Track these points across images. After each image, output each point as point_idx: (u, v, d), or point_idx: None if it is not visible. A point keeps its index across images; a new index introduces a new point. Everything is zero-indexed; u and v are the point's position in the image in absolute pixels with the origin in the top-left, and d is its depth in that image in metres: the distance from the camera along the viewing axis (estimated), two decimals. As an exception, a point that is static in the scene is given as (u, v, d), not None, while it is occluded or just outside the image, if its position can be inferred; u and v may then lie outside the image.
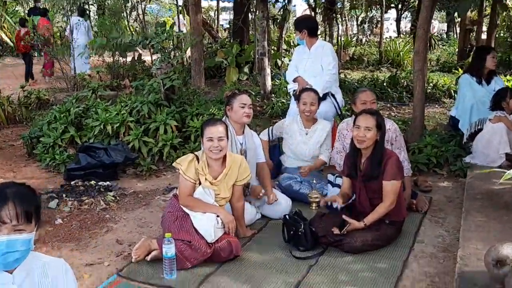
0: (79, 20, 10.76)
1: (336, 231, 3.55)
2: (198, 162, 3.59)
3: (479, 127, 5.33)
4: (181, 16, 13.62)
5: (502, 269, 2.72)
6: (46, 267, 2.13)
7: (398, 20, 25.32)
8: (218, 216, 3.48)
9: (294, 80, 5.29)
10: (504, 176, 2.56)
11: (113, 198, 4.58)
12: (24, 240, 1.94)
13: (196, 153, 3.69)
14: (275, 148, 4.67)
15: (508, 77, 10.25)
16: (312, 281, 3.20)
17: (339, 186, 4.19)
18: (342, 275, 3.28)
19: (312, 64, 5.25)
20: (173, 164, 3.69)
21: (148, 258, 3.39)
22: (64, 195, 4.59)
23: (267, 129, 4.93)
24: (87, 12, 11.77)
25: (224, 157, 3.64)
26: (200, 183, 3.57)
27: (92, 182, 4.86)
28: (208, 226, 3.40)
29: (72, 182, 4.88)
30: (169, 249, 3.21)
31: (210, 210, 3.50)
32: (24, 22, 13.61)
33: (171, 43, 6.37)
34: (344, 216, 3.59)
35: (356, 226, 3.57)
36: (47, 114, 6.40)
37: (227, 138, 3.64)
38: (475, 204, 4.10)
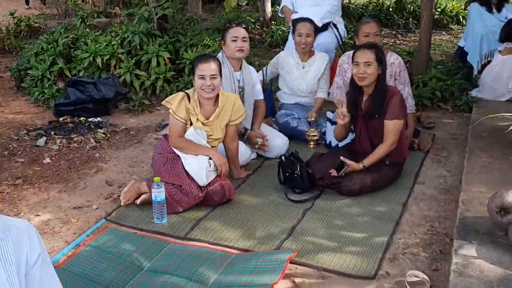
0: None
1: (333, 173, 3.40)
2: (189, 101, 3.39)
3: (489, 59, 5.05)
4: None
5: (506, 216, 2.60)
6: (8, 232, 1.97)
7: None
8: (210, 158, 3.33)
9: (282, 11, 5.00)
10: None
11: (104, 136, 4.41)
12: None
13: (187, 91, 3.48)
14: (265, 91, 4.39)
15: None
16: (307, 226, 3.09)
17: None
18: (338, 219, 3.16)
19: None
20: (163, 103, 3.49)
21: (138, 201, 3.27)
22: (52, 132, 4.42)
23: (262, 69, 4.64)
24: None
25: (217, 96, 3.43)
26: (191, 124, 3.38)
27: (82, 119, 4.67)
28: (199, 169, 3.24)
29: (61, 119, 4.68)
30: (159, 194, 3.07)
31: (202, 152, 3.33)
32: None
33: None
34: (342, 158, 3.42)
35: (354, 168, 3.41)
36: (34, 44, 6.11)
37: (220, 75, 3.41)
38: (479, 143, 3.92)
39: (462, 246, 2.58)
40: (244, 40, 3.91)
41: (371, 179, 3.43)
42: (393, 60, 4.10)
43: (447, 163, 3.93)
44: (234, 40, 3.88)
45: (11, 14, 8.72)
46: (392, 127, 3.42)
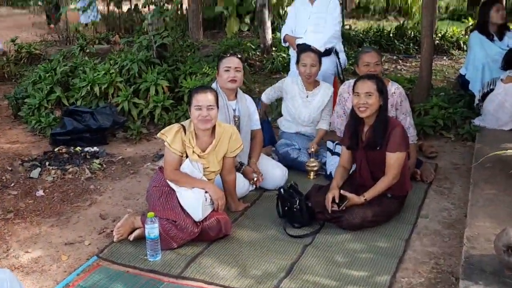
0: None
1: (334, 207, 3.30)
2: (185, 133, 3.31)
3: (491, 87, 4.98)
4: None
5: (513, 257, 2.49)
6: None
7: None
8: (206, 192, 3.23)
9: (284, 39, 4.97)
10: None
11: (99, 166, 4.32)
12: None
13: (182, 123, 3.40)
14: (263, 123, 4.32)
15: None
16: (307, 263, 2.98)
17: (338, 154, 3.91)
18: (339, 255, 3.05)
19: (316, 19, 4.87)
20: (158, 135, 3.41)
21: (131, 238, 3.16)
22: (47, 163, 4.33)
23: (258, 99, 4.58)
24: None
25: (214, 127, 3.35)
26: (187, 156, 3.30)
27: (78, 149, 4.59)
28: (195, 203, 3.14)
29: (56, 149, 4.60)
30: (152, 230, 2.97)
31: (198, 185, 3.24)
32: None
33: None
34: (342, 192, 3.32)
35: (355, 201, 3.31)
36: (32, 72, 6.08)
37: (217, 107, 3.34)
38: (484, 174, 3.82)
39: (468, 287, 2.48)
40: (237, 70, 3.85)
41: (373, 213, 3.32)
42: (394, 90, 4.03)
43: (450, 195, 3.83)
44: (227, 70, 3.82)
45: (12, 41, 8.74)
46: (394, 160, 3.33)
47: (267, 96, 4.60)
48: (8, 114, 5.86)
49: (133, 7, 11.34)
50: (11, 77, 7.36)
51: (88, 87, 5.25)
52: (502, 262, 2.59)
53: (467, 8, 14.05)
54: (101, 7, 9.81)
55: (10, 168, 4.32)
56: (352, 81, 3.90)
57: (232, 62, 3.82)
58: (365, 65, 3.95)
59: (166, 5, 6.08)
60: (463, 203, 3.62)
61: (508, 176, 3.71)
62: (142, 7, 7.00)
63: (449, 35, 9.75)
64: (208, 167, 3.34)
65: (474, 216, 3.20)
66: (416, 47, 9.11)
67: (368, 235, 3.28)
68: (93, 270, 2.89)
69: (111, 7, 10.30)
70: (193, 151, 3.28)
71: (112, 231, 3.28)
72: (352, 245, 3.17)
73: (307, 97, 4.40)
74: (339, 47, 5.06)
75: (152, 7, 6.03)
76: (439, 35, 9.62)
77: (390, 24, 11.83)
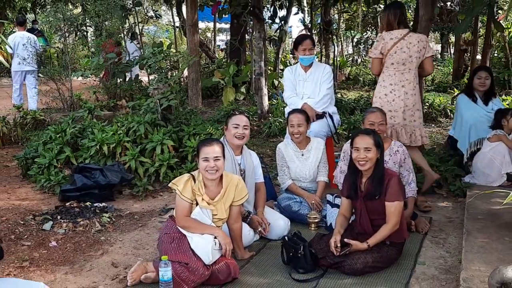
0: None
1: (338, 251, 3.49)
2: (195, 182, 3.54)
3: (478, 146, 5.30)
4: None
5: (506, 292, 2.66)
6: None
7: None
8: (215, 237, 3.42)
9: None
10: (509, 196, 2.51)
11: (109, 220, 4.50)
12: None
13: (192, 173, 3.64)
14: (265, 179, 4.57)
15: (504, 96, 10.28)
16: (312, 305, 3.13)
17: (338, 206, 4.12)
18: (342, 298, 3.21)
19: (310, 86, 5.25)
20: (169, 185, 3.63)
21: (142, 277, 3.31)
22: (58, 217, 4.50)
23: (279, 177, 4.81)
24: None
25: (221, 177, 3.59)
26: (197, 204, 3.51)
27: (88, 203, 4.78)
28: (205, 247, 3.32)
29: (67, 204, 4.79)
30: (166, 272, 3.13)
31: (207, 231, 3.43)
32: None
33: (168, 63, 6.36)
34: (346, 240, 3.52)
35: (359, 247, 3.50)
36: (42, 134, 6.33)
37: (224, 158, 3.59)
38: (476, 225, 4.05)
39: (466, 324, 2.64)
40: (245, 128, 4.14)
41: (373, 258, 3.50)
42: (397, 148, 4.32)
43: (446, 244, 4.02)
44: (235, 127, 4.11)
45: (18, 108, 9.07)
46: (394, 208, 3.56)
47: (282, 179, 4.70)
48: (16, 174, 6.06)
49: (133, 77, 11.81)
50: (17, 140, 7.61)
51: (97, 147, 5.50)
52: (496, 299, 2.75)
53: (452, 81, 14.73)
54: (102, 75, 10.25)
55: (22, 222, 4.48)
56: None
57: (241, 120, 4.12)
58: (370, 124, 4.25)
59: (169, 72, 6.48)
60: (458, 252, 3.81)
61: (499, 227, 3.95)
62: (148, 74, 7.41)
63: (436, 104, 10.23)
64: (216, 214, 3.54)
65: (469, 261, 3.39)
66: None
67: (369, 280, 3.44)
68: (109, 310, 3.02)
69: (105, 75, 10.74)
70: (203, 199, 3.50)
71: (124, 277, 3.44)
72: (355, 289, 3.33)
73: (302, 155, 4.67)
74: (333, 109, 5.39)
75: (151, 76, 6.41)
76: (427, 104, 10.10)
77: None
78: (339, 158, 4.60)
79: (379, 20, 16.82)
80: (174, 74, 6.45)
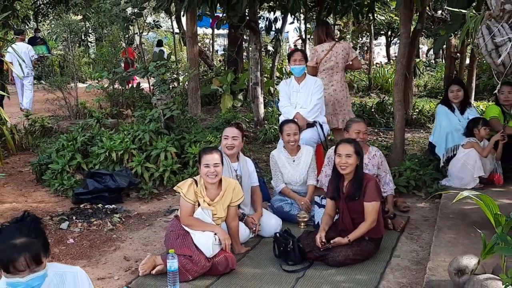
0: None
1: (323, 245, 3.99)
2: (197, 186, 4.05)
3: (454, 152, 5.81)
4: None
5: (462, 277, 3.16)
6: (64, 276, 2.53)
7: (387, 46, 26.13)
8: (215, 234, 3.92)
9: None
10: (457, 196, 3.01)
11: (119, 220, 5.00)
12: (39, 276, 2.32)
13: (194, 177, 4.15)
14: (259, 182, 5.08)
15: (490, 102, 10.75)
16: (299, 291, 3.64)
17: (324, 206, 4.63)
18: (326, 285, 3.72)
19: (303, 97, 5.80)
20: (174, 188, 4.14)
21: (154, 272, 3.81)
22: (74, 217, 5.01)
23: (273, 181, 5.33)
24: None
25: (220, 181, 4.10)
26: (199, 205, 4.02)
27: (100, 205, 5.29)
28: (207, 242, 3.84)
29: (81, 205, 5.31)
30: (173, 264, 3.63)
31: (208, 229, 3.94)
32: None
33: (169, 75, 6.87)
34: (332, 241, 4.02)
35: (341, 242, 4.01)
36: (55, 142, 6.83)
37: (222, 164, 4.10)
38: (447, 223, 4.55)
39: (427, 303, 3.14)
40: (234, 139, 4.65)
41: (353, 252, 4.01)
42: (375, 152, 4.87)
43: (419, 240, 4.53)
44: (225, 138, 4.65)
45: (26, 116, 9.56)
46: (371, 208, 4.07)
47: (276, 183, 5.22)
48: (30, 179, 6.55)
49: (135, 85, 12.32)
50: (28, 147, 8.10)
51: (106, 153, 6.01)
52: (454, 284, 3.25)
53: (443, 86, 15.19)
54: (105, 84, 10.74)
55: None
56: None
57: (230, 132, 4.65)
58: (356, 132, 4.80)
59: (171, 84, 6.99)
60: (429, 246, 4.30)
61: (468, 225, 4.44)
62: (151, 85, 7.90)
63: (426, 110, 10.74)
64: (216, 214, 4.05)
65: (436, 254, 3.89)
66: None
67: (349, 270, 3.95)
68: (125, 296, 3.53)
69: (116, 85, 11.22)
70: (204, 200, 4.01)
71: (136, 269, 3.94)
72: (336, 278, 3.84)
73: (293, 161, 5.18)
74: (323, 119, 5.93)
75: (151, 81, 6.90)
76: (417, 110, 10.61)
77: (372, 100, 12.87)
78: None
79: (372, 27, 17.39)
80: (177, 86, 6.95)
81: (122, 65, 11.78)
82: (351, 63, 6.57)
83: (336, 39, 6.57)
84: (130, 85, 12.02)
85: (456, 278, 3.21)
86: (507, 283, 2.72)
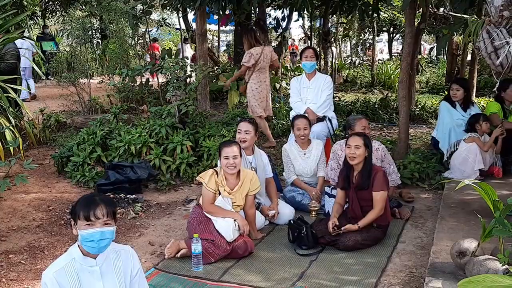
0: None
1: (334, 231, 4.31)
2: (217, 176, 4.36)
3: (457, 147, 6.11)
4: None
5: (463, 259, 3.47)
6: (119, 253, 2.88)
7: (390, 42, 26.40)
8: (235, 220, 4.24)
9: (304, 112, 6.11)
10: (459, 184, 3.33)
11: (141, 209, 5.32)
12: (112, 231, 2.72)
13: (215, 168, 4.47)
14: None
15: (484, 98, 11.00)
16: (313, 272, 3.96)
17: (334, 196, 4.94)
18: (337, 267, 4.04)
19: (313, 93, 6.13)
20: (197, 178, 4.47)
21: (178, 255, 4.14)
22: (98, 206, 5.32)
23: (285, 173, 5.67)
24: None
25: (238, 172, 4.41)
26: (219, 193, 4.33)
27: (122, 195, 5.60)
28: (227, 228, 4.16)
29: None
30: (197, 247, 3.95)
31: (228, 215, 4.26)
32: None
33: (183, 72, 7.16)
34: (343, 227, 4.34)
35: (351, 228, 4.33)
36: (74, 136, 7.14)
37: (241, 156, 4.41)
38: (449, 211, 4.86)
39: (431, 281, 3.46)
40: (247, 133, 4.97)
41: (362, 237, 4.33)
42: (378, 146, 5.17)
43: (423, 228, 4.85)
44: (238, 132, 4.97)
45: (41, 111, 9.86)
46: (379, 197, 4.38)
47: (288, 175, 5.54)
48: (52, 171, 6.87)
49: (144, 81, 12.62)
50: (46, 141, 8.41)
51: (125, 147, 6.32)
52: (456, 265, 3.57)
53: (445, 83, 15.46)
54: (117, 79, 11.02)
55: (67, 210, 5.30)
56: (342, 142, 5.04)
57: (243, 126, 4.99)
58: (362, 128, 5.12)
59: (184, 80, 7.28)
60: (433, 233, 4.61)
61: (468, 213, 4.75)
62: (166, 81, 8.23)
63: (428, 106, 11.03)
64: (235, 202, 4.37)
65: (439, 239, 4.20)
66: (399, 117, 10.27)
67: (358, 254, 4.27)
68: (154, 276, 3.85)
69: (126, 80, 11.52)
70: (224, 189, 4.33)
71: (161, 252, 4.27)
72: (347, 261, 4.16)
73: (304, 154, 5.49)
74: (332, 114, 6.25)
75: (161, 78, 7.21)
76: (419, 106, 10.90)
77: (375, 96, 13.13)
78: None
79: (375, 24, 17.65)
80: (191, 83, 7.26)
81: (148, 59, 12.13)
82: (271, 63, 7.91)
83: (262, 43, 7.95)
84: (153, 78, 12.29)
85: (458, 259, 3.52)
86: (503, 262, 3.05)
